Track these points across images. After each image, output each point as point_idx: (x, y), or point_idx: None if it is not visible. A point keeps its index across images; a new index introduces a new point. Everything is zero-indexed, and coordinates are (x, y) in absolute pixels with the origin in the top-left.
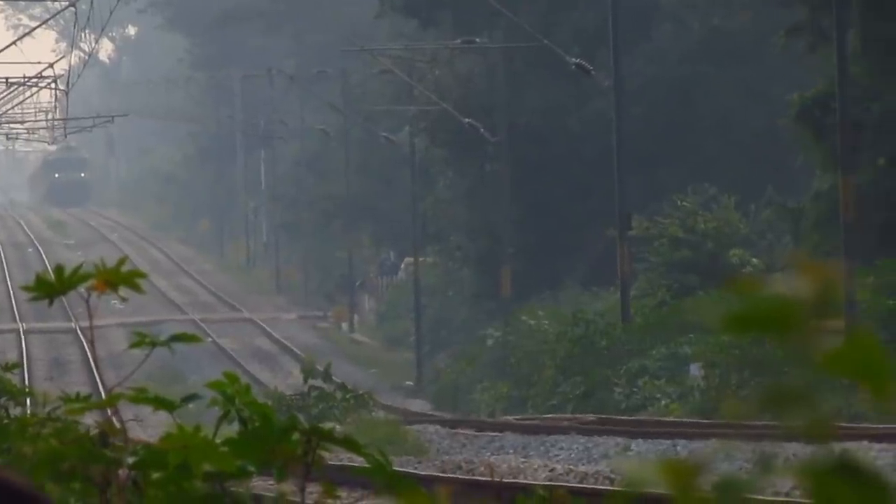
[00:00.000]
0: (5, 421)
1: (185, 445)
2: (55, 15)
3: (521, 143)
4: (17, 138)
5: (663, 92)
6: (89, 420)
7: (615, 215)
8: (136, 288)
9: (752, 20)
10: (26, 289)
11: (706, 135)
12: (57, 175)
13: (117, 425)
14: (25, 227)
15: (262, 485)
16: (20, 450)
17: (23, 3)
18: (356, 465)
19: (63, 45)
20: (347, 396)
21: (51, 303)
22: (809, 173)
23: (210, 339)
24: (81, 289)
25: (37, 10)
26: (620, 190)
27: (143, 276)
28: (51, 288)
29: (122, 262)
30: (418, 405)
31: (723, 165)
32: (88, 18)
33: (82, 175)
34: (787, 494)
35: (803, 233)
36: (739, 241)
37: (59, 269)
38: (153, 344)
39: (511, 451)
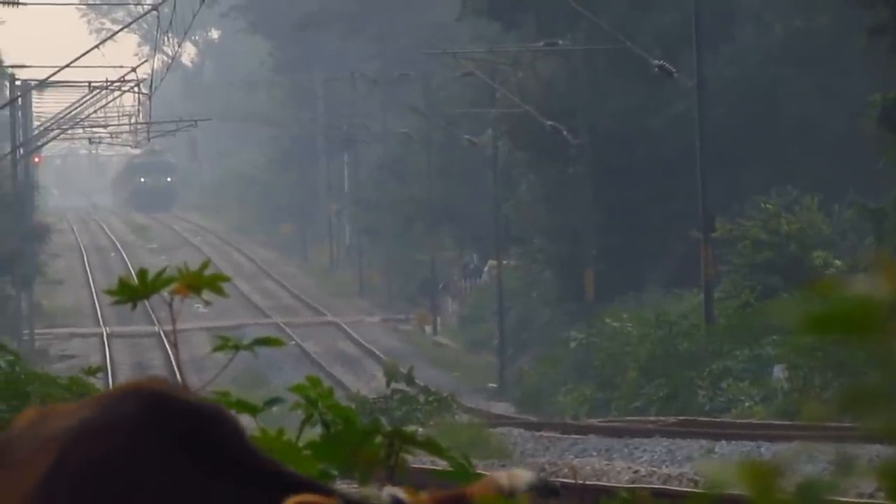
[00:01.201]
0: None
1: (269, 449)
2: (138, 19)
3: (603, 145)
4: (99, 142)
5: (745, 93)
6: None
7: (698, 217)
8: (219, 291)
9: (833, 21)
10: (109, 293)
11: (788, 136)
12: (143, 179)
13: None
14: (108, 231)
15: (344, 488)
16: None
17: (105, 7)
18: (439, 468)
19: (146, 48)
20: (430, 399)
21: (134, 307)
22: (892, 174)
23: (293, 343)
24: (164, 293)
25: (119, 14)
26: (703, 192)
27: (225, 279)
28: (134, 292)
29: (204, 265)
30: (501, 408)
31: (805, 167)
32: (171, 22)
33: (168, 179)
34: (870, 496)
35: (886, 234)
36: (822, 243)
37: (142, 273)
38: (236, 347)
39: (594, 453)
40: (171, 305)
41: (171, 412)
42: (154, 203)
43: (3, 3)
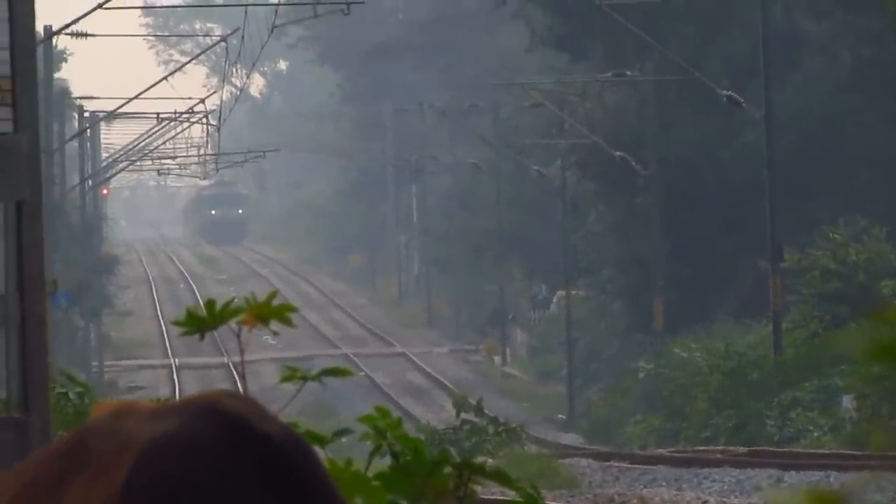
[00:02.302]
0: None
1: (337, 479)
2: (206, 50)
3: (672, 176)
4: (168, 173)
5: (813, 123)
6: None
7: (766, 247)
8: (287, 322)
9: None
10: (177, 323)
11: (857, 166)
12: (213, 211)
13: None
14: (177, 263)
15: None
16: None
17: (174, 38)
18: (508, 498)
19: (214, 80)
20: (499, 430)
21: (202, 337)
22: None
23: (362, 374)
24: (232, 323)
25: (187, 45)
26: (772, 221)
27: (293, 310)
28: (201, 322)
29: (272, 296)
30: (570, 438)
31: (873, 196)
32: (239, 53)
33: (240, 212)
34: None
35: None
36: (890, 272)
37: (209, 304)
38: (304, 378)
39: (664, 483)
40: (238, 336)
41: (253, 436)
42: (225, 235)
43: (72, 35)
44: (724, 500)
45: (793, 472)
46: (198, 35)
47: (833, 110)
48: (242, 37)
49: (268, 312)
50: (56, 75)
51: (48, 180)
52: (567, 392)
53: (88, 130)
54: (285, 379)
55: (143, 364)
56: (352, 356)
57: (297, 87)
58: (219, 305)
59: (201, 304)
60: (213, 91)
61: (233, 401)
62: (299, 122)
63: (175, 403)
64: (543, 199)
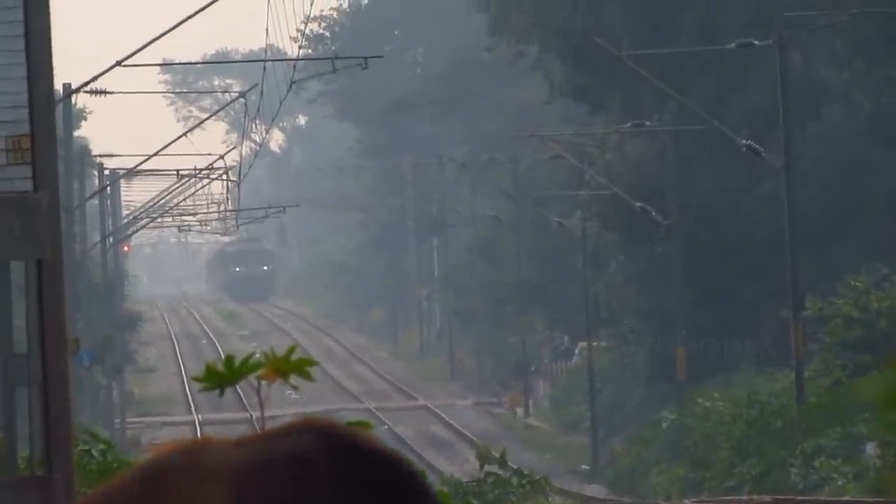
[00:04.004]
0: None
1: None
2: (225, 107)
3: (693, 225)
4: (188, 230)
5: (834, 171)
6: None
7: (788, 296)
8: (307, 376)
9: None
10: (197, 379)
11: (877, 214)
12: (238, 268)
13: None
14: (199, 319)
15: None
16: None
17: (193, 95)
18: None
19: (233, 136)
20: (523, 482)
21: (221, 393)
22: None
23: (385, 427)
24: (253, 378)
25: (207, 101)
26: (793, 270)
27: (313, 363)
28: (221, 378)
29: (291, 349)
30: (594, 489)
31: (895, 244)
32: (258, 109)
33: (265, 268)
34: None
35: None
36: None
37: (228, 359)
38: None
39: None
40: (258, 391)
41: (359, 453)
42: (251, 293)
43: (91, 92)
44: None
45: None
46: (216, 91)
47: (853, 158)
48: (261, 92)
49: (287, 367)
50: (76, 133)
51: (69, 238)
52: (591, 443)
53: (109, 188)
54: None
55: (166, 420)
56: (374, 410)
57: (316, 142)
58: (239, 360)
59: (223, 359)
60: (232, 147)
61: (329, 422)
62: (319, 177)
63: (261, 433)
64: (564, 250)
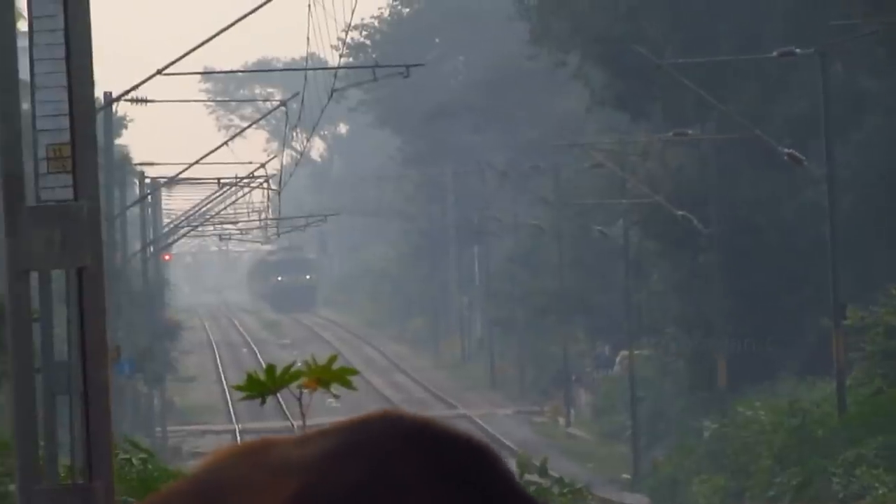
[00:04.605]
0: None
1: None
2: (266, 115)
3: (734, 234)
4: (229, 238)
5: (875, 180)
6: None
7: (829, 305)
8: (347, 385)
9: None
10: (238, 388)
11: None
12: (280, 278)
13: None
14: (239, 327)
15: None
16: None
17: (234, 103)
18: None
19: (274, 144)
20: (564, 491)
21: (262, 401)
22: None
23: None
24: (294, 387)
25: (247, 110)
26: (834, 279)
27: (353, 372)
28: (262, 387)
29: (332, 359)
30: (636, 499)
31: None
32: (299, 118)
33: (308, 277)
34: None
35: None
36: None
37: (269, 368)
38: None
39: None
40: (300, 400)
41: (429, 439)
42: (294, 302)
43: (131, 101)
44: None
45: None
46: (258, 100)
47: (894, 167)
48: (302, 101)
49: (328, 376)
50: (116, 142)
51: (110, 247)
52: (632, 452)
53: (149, 196)
54: None
55: (207, 429)
56: None
57: (357, 151)
58: (280, 369)
59: (264, 368)
60: (273, 155)
61: (397, 411)
62: (360, 186)
63: (323, 429)
64: (606, 259)
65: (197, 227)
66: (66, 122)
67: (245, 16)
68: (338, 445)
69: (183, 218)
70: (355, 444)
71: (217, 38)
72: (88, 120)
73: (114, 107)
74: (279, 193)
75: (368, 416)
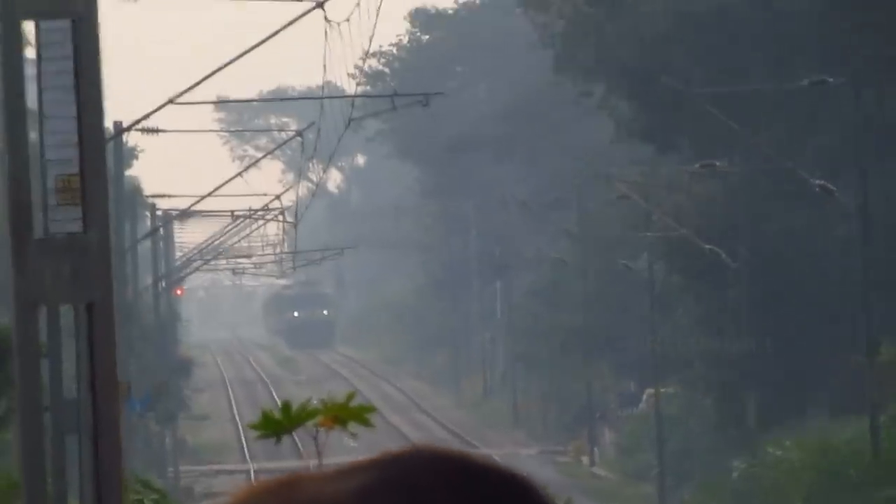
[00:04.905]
0: None
1: None
2: (281, 145)
3: (763, 268)
4: (243, 272)
5: None
6: None
7: (862, 340)
8: (365, 423)
9: None
10: (253, 426)
11: None
12: (296, 313)
13: None
14: (254, 364)
15: None
16: None
17: (248, 133)
18: None
19: (290, 175)
20: None
21: (278, 440)
22: None
23: None
24: (310, 425)
25: (262, 140)
26: (867, 314)
27: (371, 410)
28: (277, 425)
29: (350, 396)
30: None
31: None
32: (315, 148)
33: (325, 313)
34: None
35: None
36: None
37: (285, 406)
38: None
39: None
40: (316, 439)
41: (465, 475)
42: (310, 338)
43: (142, 130)
44: None
45: None
46: (273, 129)
47: None
48: (318, 131)
49: (346, 414)
50: (127, 172)
51: (120, 281)
52: (658, 492)
53: (161, 229)
54: None
55: (220, 469)
56: None
57: (375, 182)
58: (296, 407)
59: (279, 406)
60: (289, 187)
61: (433, 446)
62: (378, 218)
63: (354, 464)
64: (631, 293)
65: (210, 260)
66: (75, 152)
67: (259, 43)
68: (371, 482)
69: (196, 251)
70: (389, 481)
71: (231, 66)
72: (98, 150)
73: (124, 137)
74: (295, 226)
75: (401, 451)
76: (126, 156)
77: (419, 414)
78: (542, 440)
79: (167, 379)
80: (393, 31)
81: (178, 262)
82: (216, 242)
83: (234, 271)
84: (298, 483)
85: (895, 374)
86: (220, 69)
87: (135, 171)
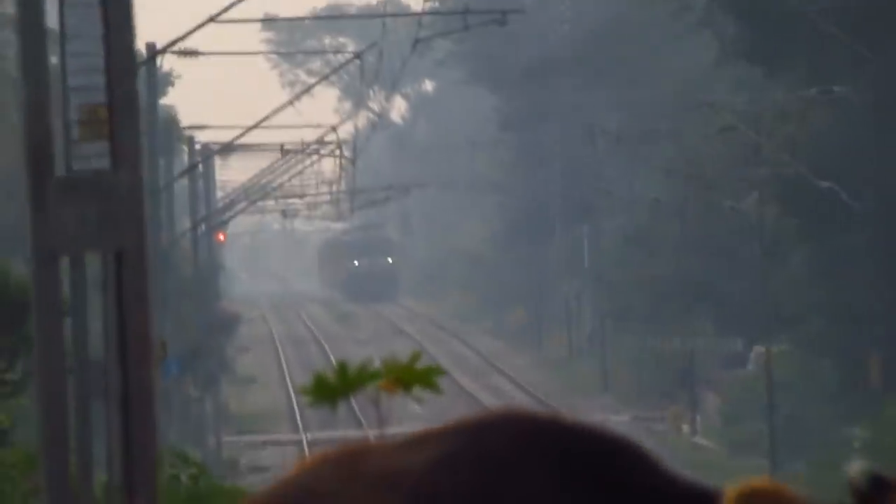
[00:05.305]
0: None
1: None
2: (338, 69)
3: (890, 210)
4: (295, 215)
5: None
6: None
7: None
8: (434, 387)
9: None
10: (305, 391)
11: None
12: (357, 262)
13: None
14: (307, 321)
15: None
16: None
17: (300, 56)
18: None
19: (348, 104)
20: None
21: (334, 407)
22: None
23: None
24: (371, 390)
25: (316, 64)
26: None
27: (440, 373)
28: (333, 390)
29: (415, 357)
30: None
31: None
32: (377, 73)
33: (389, 261)
34: None
35: None
36: None
37: (340, 367)
38: None
39: None
40: (377, 405)
41: (558, 440)
42: (372, 291)
43: (179, 53)
44: None
45: None
46: (328, 52)
47: None
48: (380, 53)
49: (411, 376)
50: (162, 101)
51: (154, 225)
52: (769, 465)
53: (200, 166)
54: None
55: (269, 440)
56: None
57: (445, 112)
58: (354, 369)
59: (335, 368)
60: (346, 117)
61: (523, 411)
62: (449, 153)
63: (428, 431)
64: (738, 239)
65: (257, 201)
66: (101, 78)
67: None
68: (449, 453)
69: (240, 191)
70: (469, 451)
71: None
72: (129, 76)
73: (158, 60)
74: (353, 162)
75: (484, 417)
76: (161, 82)
77: (495, 376)
78: (635, 406)
79: (208, 337)
80: None
81: (220, 204)
82: (264, 181)
83: (284, 214)
84: (364, 454)
85: None
86: None
87: (170, 99)
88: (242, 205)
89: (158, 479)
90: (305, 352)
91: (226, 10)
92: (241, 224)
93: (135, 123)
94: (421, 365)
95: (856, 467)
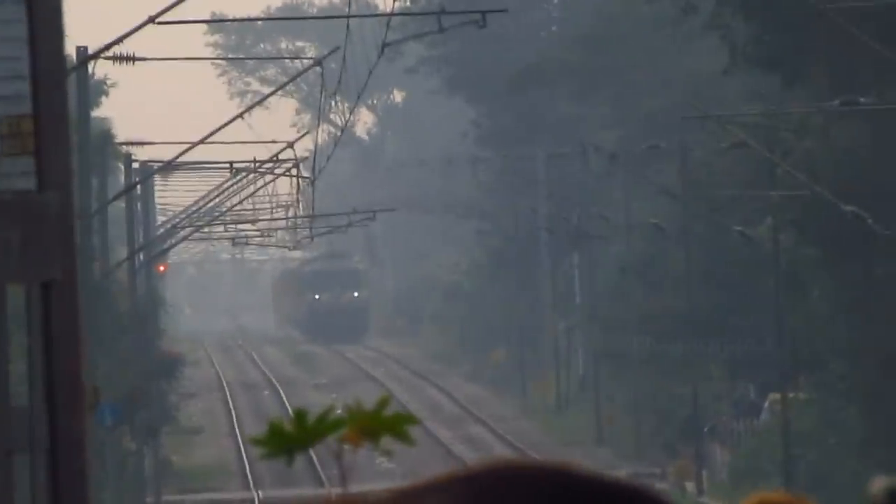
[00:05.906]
0: None
1: None
2: (295, 77)
3: None
4: (246, 243)
5: None
6: None
7: None
8: (405, 438)
9: None
10: (258, 442)
11: None
12: (317, 296)
13: None
14: (259, 362)
15: None
16: None
17: (251, 62)
18: None
19: (306, 117)
20: None
21: (290, 461)
22: None
23: None
24: (334, 441)
25: (270, 71)
26: None
27: (413, 422)
28: (288, 441)
29: (383, 402)
30: None
31: None
32: (339, 81)
33: (356, 295)
34: None
35: None
36: None
37: (298, 415)
38: None
39: None
40: (339, 459)
41: (556, 494)
42: (336, 329)
43: (115, 58)
44: None
45: None
46: (284, 57)
47: None
48: (344, 58)
49: (378, 426)
50: (95, 113)
51: (85, 254)
52: None
53: (139, 187)
54: None
55: (216, 499)
56: None
57: (417, 126)
58: (314, 417)
59: (291, 416)
60: (305, 132)
61: (514, 462)
62: (421, 173)
63: (410, 487)
64: (749, 269)
65: (203, 227)
66: (26, 87)
67: None
68: None
69: (184, 216)
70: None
71: None
72: (57, 84)
73: (91, 66)
74: (313, 183)
75: (472, 470)
76: (94, 91)
77: (474, 426)
78: (633, 460)
79: (148, 381)
80: None
81: (161, 230)
82: (211, 204)
83: (233, 241)
84: None
85: None
86: None
87: (105, 111)
88: (186, 231)
89: None
90: (258, 398)
91: (167, 9)
92: (185, 253)
93: (64, 138)
94: (390, 412)
95: (878, 483)
